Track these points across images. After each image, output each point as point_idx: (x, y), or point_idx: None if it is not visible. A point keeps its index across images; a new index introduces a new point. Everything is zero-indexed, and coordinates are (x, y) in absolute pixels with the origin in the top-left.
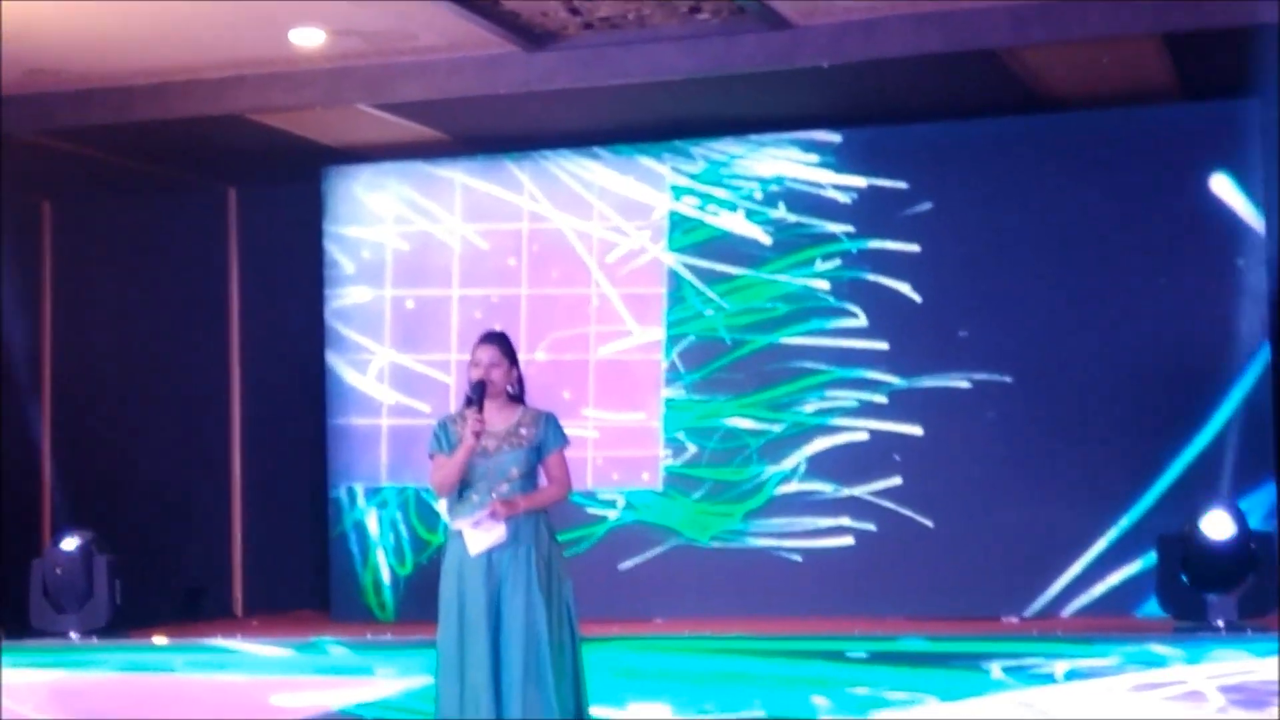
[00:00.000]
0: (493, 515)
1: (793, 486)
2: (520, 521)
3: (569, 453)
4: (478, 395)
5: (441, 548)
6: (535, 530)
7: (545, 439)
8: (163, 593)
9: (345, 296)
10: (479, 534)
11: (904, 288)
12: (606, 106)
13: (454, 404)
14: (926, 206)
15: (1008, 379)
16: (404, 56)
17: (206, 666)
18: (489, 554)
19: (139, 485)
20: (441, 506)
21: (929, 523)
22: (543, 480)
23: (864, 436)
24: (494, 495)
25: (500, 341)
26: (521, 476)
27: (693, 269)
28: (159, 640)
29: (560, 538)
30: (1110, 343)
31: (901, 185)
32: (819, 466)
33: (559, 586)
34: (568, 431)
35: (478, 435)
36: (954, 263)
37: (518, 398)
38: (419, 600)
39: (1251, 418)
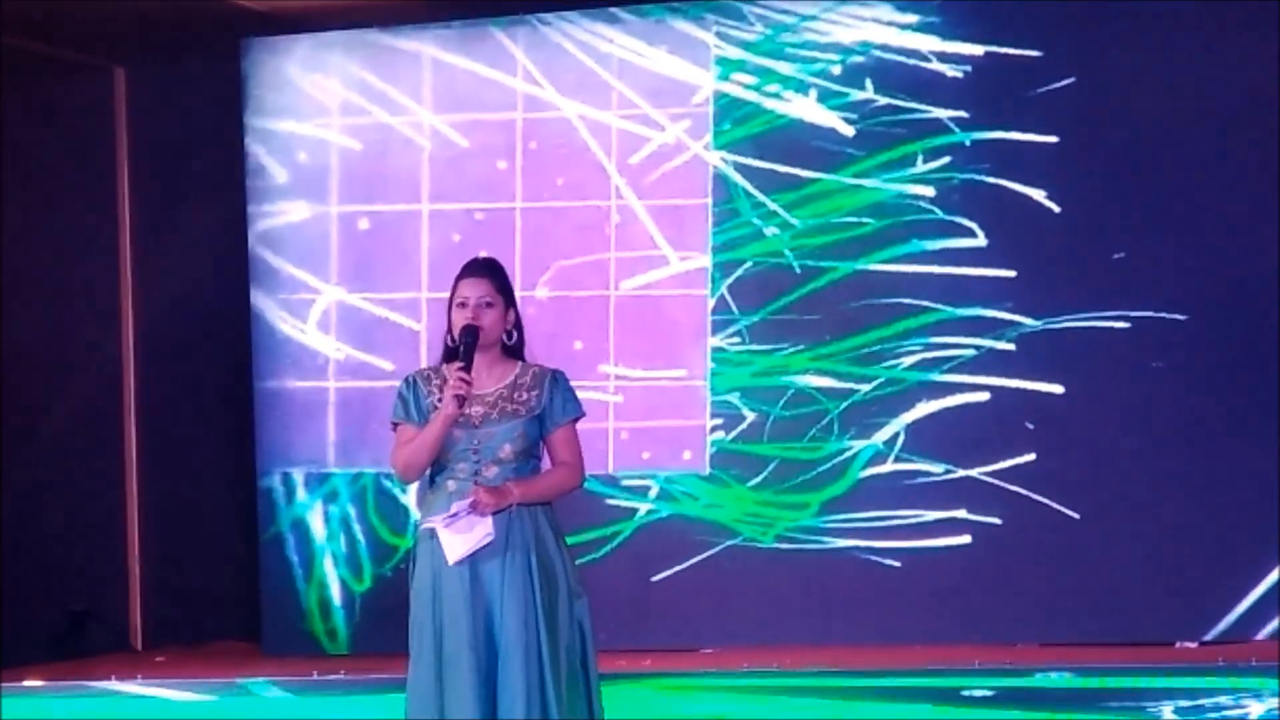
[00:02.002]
0: (475, 509)
1: (887, 467)
2: (513, 518)
3: (583, 424)
4: (468, 346)
5: (411, 554)
6: (534, 529)
7: (550, 406)
8: (35, 619)
9: (276, 215)
10: (456, 535)
11: (1037, 194)
12: None
13: (425, 358)
14: (1067, 82)
15: (1180, 317)
16: None
17: (96, 717)
18: (472, 563)
19: None
20: (411, 497)
21: (1074, 514)
22: (546, 463)
23: (984, 398)
24: (478, 481)
25: (493, 273)
26: (517, 456)
27: (748, 172)
28: (31, 683)
29: (571, 541)
30: None
31: (1033, 54)
32: (923, 439)
33: (569, 606)
34: (581, 396)
35: (461, 400)
36: (1105, 159)
37: (515, 350)
38: (381, 626)
39: None
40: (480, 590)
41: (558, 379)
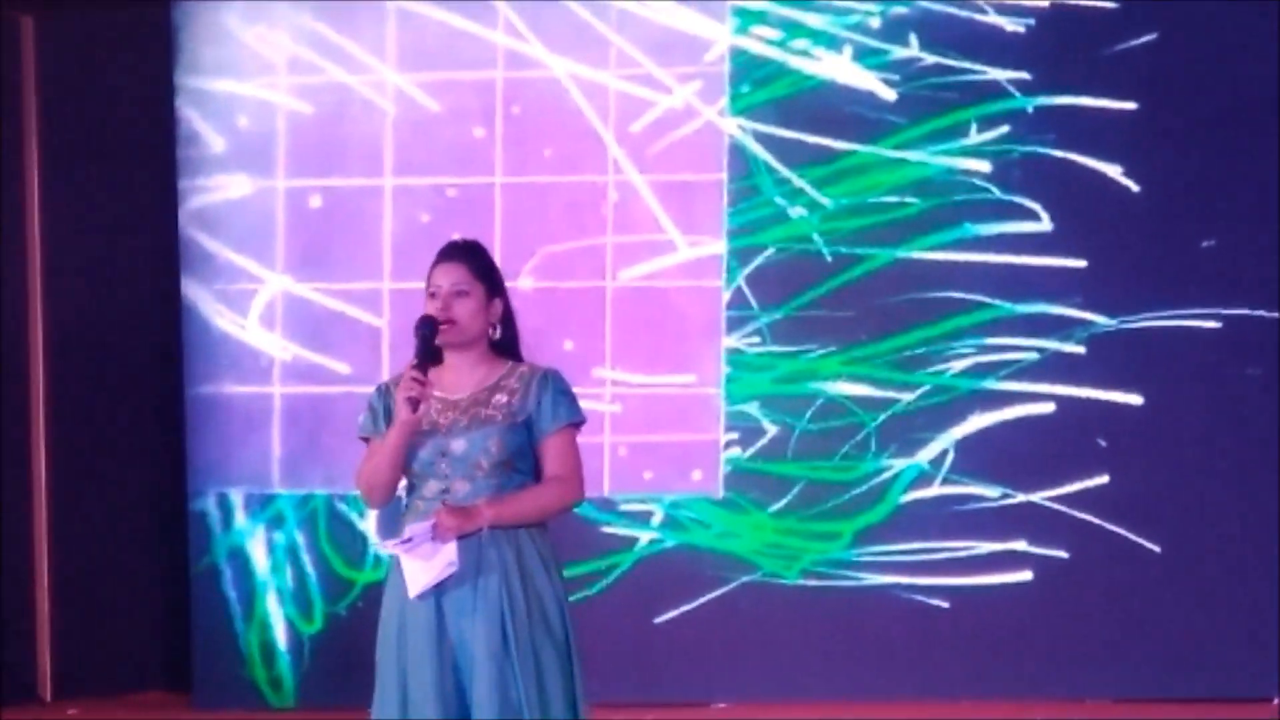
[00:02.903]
0: (434, 532)
1: (933, 490)
2: (485, 544)
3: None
4: (424, 339)
5: (372, 589)
6: (516, 556)
7: (540, 410)
8: None
9: (212, 190)
10: (416, 562)
11: (1111, 170)
12: None
13: (387, 358)
14: (1147, 39)
15: (1278, 315)
16: None
17: None
18: (437, 596)
19: None
20: (370, 523)
21: (1154, 547)
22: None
23: (1048, 409)
24: (445, 500)
25: (471, 257)
26: (496, 470)
27: (770, 143)
28: None
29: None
30: None
31: (1107, 5)
32: (976, 458)
33: (557, 649)
34: None
35: (415, 404)
36: (1191, 129)
37: (505, 348)
38: (334, 674)
39: None
40: (448, 629)
41: (549, 379)
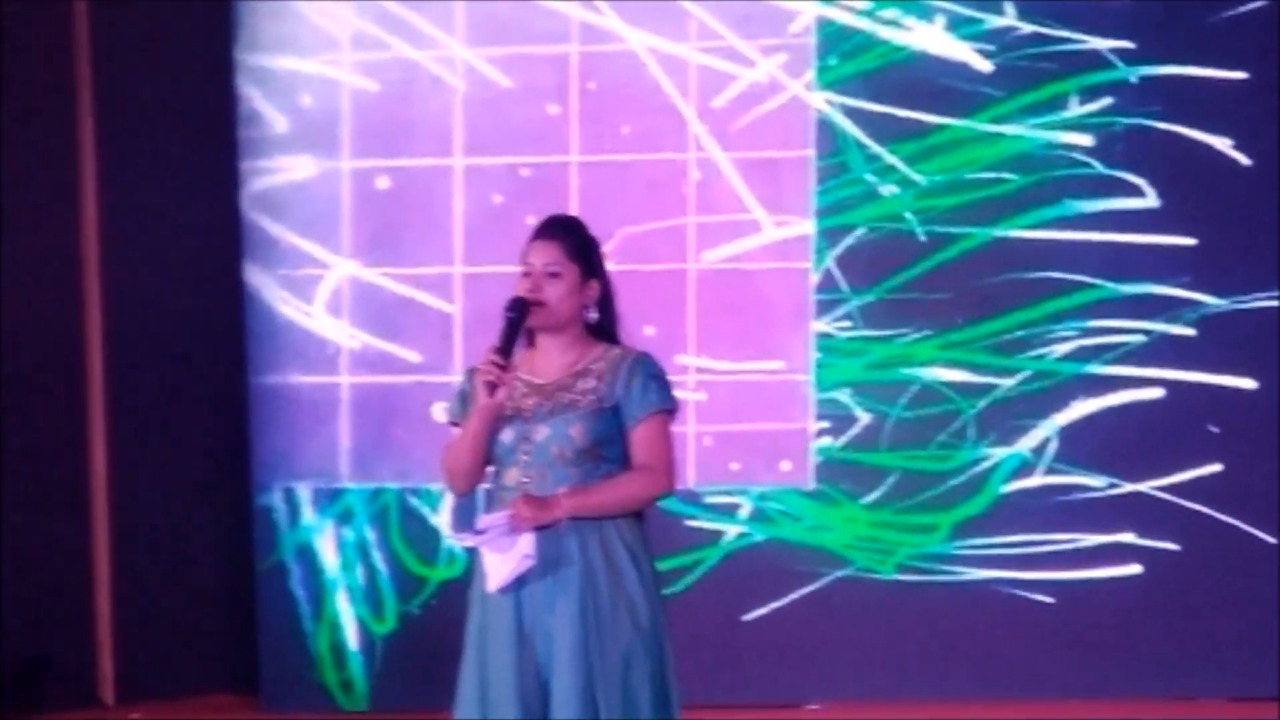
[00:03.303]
0: (510, 524)
1: (1035, 480)
2: (565, 536)
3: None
4: (510, 323)
5: (447, 587)
6: (599, 545)
7: (629, 396)
8: None
9: (275, 172)
10: (495, 555)
11: (1221, 143)
12: None
13: (459, 346)
14: (1259, 4)
15: None
16: None
17: None
18: (517, 592)
19: None
20: (444, 517)
21: (1269, 539)
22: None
23: (1157, 394)
24: (526, 489)
25: (566, 236)
26: (579, 458)
27: (860, 118)
28: None
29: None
30: None
31: None
32: (1080, 446)
33: (646, 647)
34: None
35: (492, 388)
36: None
37: (602, 331)
38: (407, 676)
39: None
40: (528, 626)
41: (640, 363)
